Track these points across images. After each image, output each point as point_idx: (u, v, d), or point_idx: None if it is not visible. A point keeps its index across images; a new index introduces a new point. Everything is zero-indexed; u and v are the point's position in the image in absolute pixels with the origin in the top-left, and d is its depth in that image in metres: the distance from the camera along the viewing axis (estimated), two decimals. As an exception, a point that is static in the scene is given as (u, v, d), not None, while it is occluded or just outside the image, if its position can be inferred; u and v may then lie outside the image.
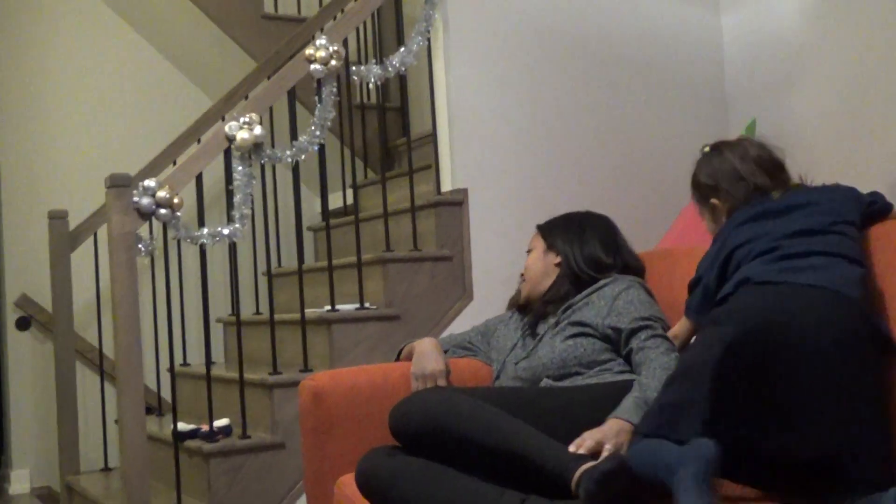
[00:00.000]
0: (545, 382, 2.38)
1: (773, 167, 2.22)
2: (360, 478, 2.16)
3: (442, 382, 2.45)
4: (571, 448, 1.95)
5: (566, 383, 2.34)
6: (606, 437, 1.99)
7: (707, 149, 2.32)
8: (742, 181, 2.20)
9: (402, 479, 2.06)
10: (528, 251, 2.70)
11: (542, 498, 1.87)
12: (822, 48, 3.53)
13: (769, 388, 1.76)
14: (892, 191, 3.21)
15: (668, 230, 3.34)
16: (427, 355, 2.51)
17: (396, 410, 2.15)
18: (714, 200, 2.25)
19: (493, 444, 1.97)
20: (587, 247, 2.58)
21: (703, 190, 2.29)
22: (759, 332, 1.79)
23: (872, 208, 2.09)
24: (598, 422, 2.07)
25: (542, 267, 2.62)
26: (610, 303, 2.38)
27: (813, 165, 3.53)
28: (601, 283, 2.47)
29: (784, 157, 2.26)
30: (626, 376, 2.29)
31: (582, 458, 1.89)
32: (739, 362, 1.77)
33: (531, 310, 2.63)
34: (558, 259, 2.60)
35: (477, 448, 1.99)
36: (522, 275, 2.68)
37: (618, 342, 2.34)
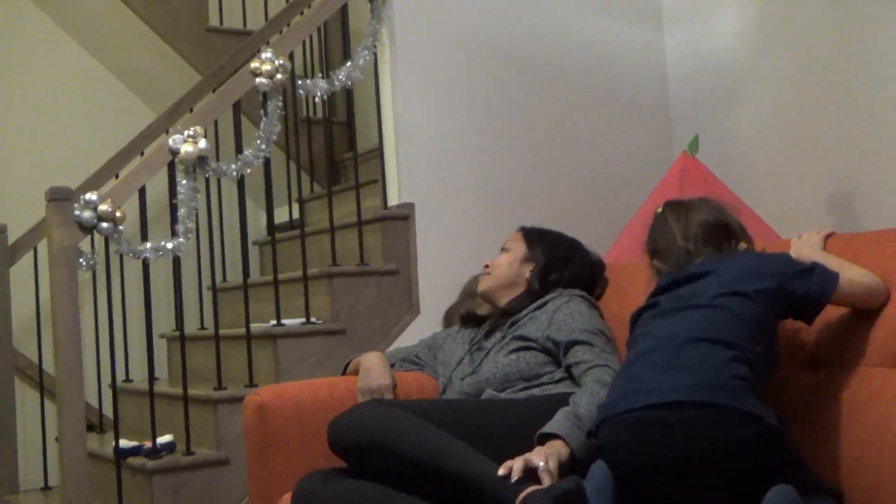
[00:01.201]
0: (487, 393, 2.37)
1: (714, 233, 2.16)
2: (297, 502, 2.13)
3: (388, 397, 2.43)
4: (501, 471, 1.87)
5: (508, 392, 2.34)
6: (532, 457, 1.92)
7: (659, 210, 2.30)
8: (675, 246, 2.17)
9: None
10: (503, 249, 2.63)
11: None
12: (763, 67, 3.60)
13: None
14: (831, 203, 3.27)
15: (614, 244, 3.38)
16: (373, 370, 2.49)
17: (333, 424, 2.13)
18: (656, 262, 2.23)
19: (429, 461, 1.94)
20: (561, 275, 2.55)
21: (647, 253, 2.28)
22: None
23: (796, 292, 1.95)
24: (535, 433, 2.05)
25: (514, 274, 2.56)
26: (550, 316, 2.39)
27: (754, 180, 3.60)
28: (546, 298, 2.47)
29: (737, 216, 2.22)
30: (566, 386, 2.29)
31: (523, 482, 1.85)
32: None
33: (480, 317, 2.63)
34: (529, 274, 2.56)
35: (412, 465, 1.96)
36: (487, 266, 2.62)
37: (557, 354, 2.35)
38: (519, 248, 2.60)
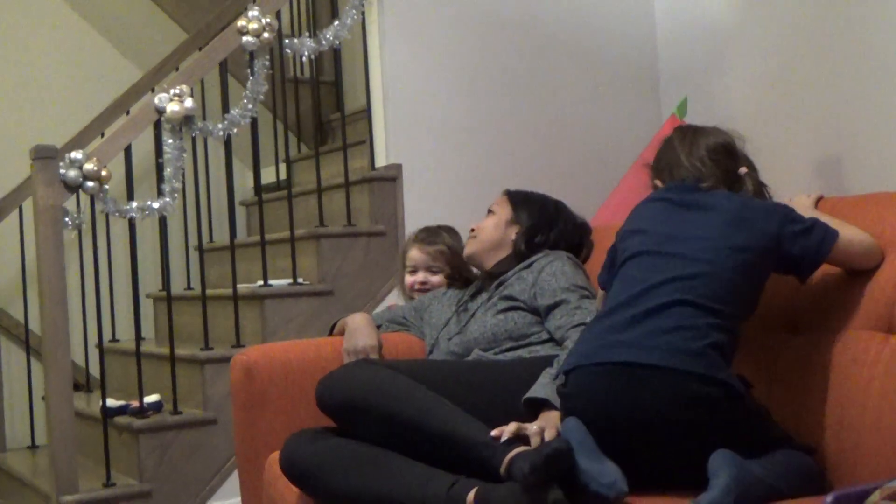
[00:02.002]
0: (475, 354, 2.38)
1: (720, 154, 2.14)
2: (284, 463, 2.14)
3: (374, 357, 2.44)
4: (494, 433, 1.88)
5: (494, 351, 2.35)
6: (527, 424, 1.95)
7: (669, 135, 2.27)
8: (681, 167, 2.14)
9: (326, 466, 2.03)
10: (489, 212, 2.63)
11: (472, 479, 1.84)
12: (752, 29, 3.59)
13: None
14: (817, 169, 3.28)
15: (602, 206, 3.38)
16: (359, 330, 2.50)
17: (322, 382, 2.14)
18: (657, 181, 2.20)
19: (416, 421, 1.95)
20: (547, 237, 2.55)
21: (650, 170, 2.25)
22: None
23: (792, 252, 1.94)
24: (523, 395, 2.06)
25: (500, 237, 2.57)
26: (535, 276, 2.39)
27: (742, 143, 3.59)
28: (533, 258, 2.48)
29: (743, 147, 2.19)
30: (552, 347, 2.30)
31: (512, 443, 1.86)
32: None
33: (468, 279, 2.63)
34: (515, 236, 2.56)
35: (399, 424, 1.97)
36: (473, 230, 2.62)
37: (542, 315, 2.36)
38: (504, 210, 2.60)
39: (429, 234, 2.86)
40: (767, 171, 3.44)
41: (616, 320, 1.90)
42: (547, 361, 2.19)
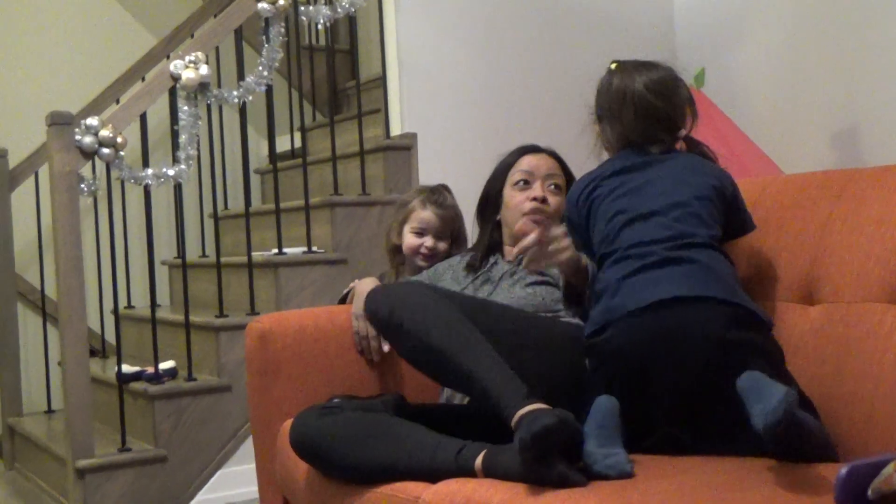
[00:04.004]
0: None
1: (659, 117, 2.16)
2: (294, 441, 2.13)
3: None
4: (515, 251, 2.01)
5: None
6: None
7: (613, 66, 2.29)
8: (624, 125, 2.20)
9: (335, 440, 2.02)
10: (555, 185, 2.51)
11: (480, 443, 1.83)
12: (769, 0, 3.56)
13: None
14: (834, 140, 3.26)
15: (616, 177, 3.37)
16: (369, 295, 2.49)
17: (374, 295, 2.11)
18: (597, 128, 2.27)
19: (449, 353, 1.91)
20: None
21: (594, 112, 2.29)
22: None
23: (737, 213, 2.07)
24: (565, 362, 2.05)
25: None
26: None
27: (758, 114, 3.57)
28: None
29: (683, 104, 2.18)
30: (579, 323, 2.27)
31: (530, 398, 1.80)
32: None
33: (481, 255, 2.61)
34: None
35: (431, 351, 1.93)
36: (546, 201, 2.46)
37: None
38: (562, 181, 2.54)
39: (438, 196, 2.75)
40: (784, 142, 3.44)
41: (638, 265, 1.92)
42: (579, 329, 2.14)
